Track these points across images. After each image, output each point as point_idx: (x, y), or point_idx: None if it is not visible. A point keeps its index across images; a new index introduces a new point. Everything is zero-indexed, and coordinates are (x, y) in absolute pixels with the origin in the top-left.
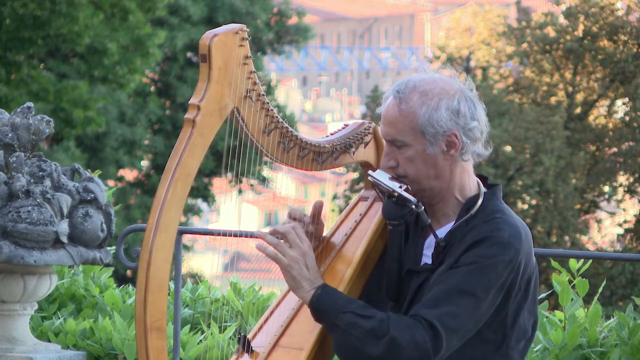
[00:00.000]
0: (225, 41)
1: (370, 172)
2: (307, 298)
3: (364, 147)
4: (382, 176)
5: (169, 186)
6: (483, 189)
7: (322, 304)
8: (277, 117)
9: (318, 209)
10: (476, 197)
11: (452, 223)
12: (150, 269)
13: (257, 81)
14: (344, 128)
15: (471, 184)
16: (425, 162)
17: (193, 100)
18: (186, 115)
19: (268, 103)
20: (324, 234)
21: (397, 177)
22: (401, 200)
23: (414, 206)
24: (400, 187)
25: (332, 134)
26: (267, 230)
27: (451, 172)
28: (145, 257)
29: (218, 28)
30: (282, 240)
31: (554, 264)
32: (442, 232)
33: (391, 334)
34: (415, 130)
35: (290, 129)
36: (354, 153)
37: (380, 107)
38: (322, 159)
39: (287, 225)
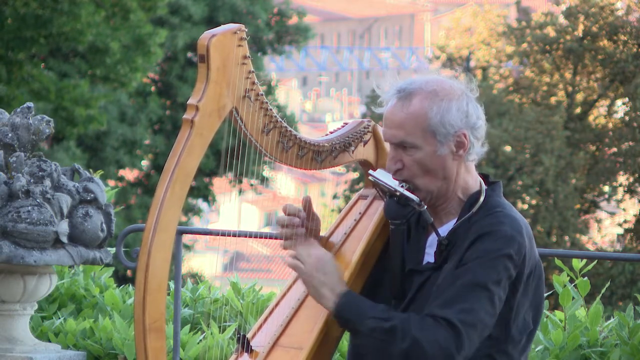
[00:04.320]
0: (223, 41)
1: (370, 171)
2: (330, 306)
3: (363, 146)
4: (383, 175)
5: (168, 186)
6: (484, 187)
7: (345, 312)
8: (275, 116)
9: (308, 204)
10: (478, 193)
11: (454, 221)
12: (149, 270)
13: (256, 81)
14: (343, 127)
15: (473, 183)
16: (434, 163)
17: (191, 101)
18: (184, 116)
19: (267, 103)
20: (324, 233)
21: (402, 180)
22: (403, 200)
23: (416, 205)
24: (402, 186)
25: (331, 133)
26: (266, 229)
27: (457, 172)
28: (144, 257)
29: (216, 28)
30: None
31: (558, 262)
32: (444, 230)
33: (413, 336)
34: (426, 132)
35: (289, 128)
36: (353, 152)
37: (380, 108)
38: (321, 158)
39: (290, 228)
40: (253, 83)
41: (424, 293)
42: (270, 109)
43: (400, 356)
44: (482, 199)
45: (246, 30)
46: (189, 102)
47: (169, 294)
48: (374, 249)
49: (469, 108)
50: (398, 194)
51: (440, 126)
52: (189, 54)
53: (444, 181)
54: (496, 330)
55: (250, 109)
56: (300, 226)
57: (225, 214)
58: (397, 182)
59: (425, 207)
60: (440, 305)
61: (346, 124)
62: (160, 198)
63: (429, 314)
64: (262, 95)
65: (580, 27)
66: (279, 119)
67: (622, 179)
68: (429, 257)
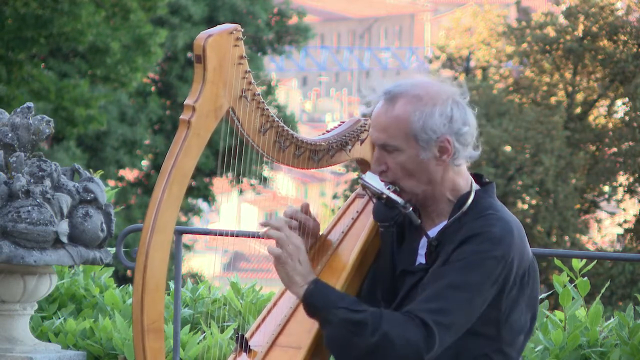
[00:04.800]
0: (219, 41)
1: (360, 175)
2: (300, 293)
3: (360, 145)
4: (371, 178)
5: (165, 187)
6: (475, 187)
7: (315, 299)
8: (272, 116)
9: (305, 209)
10: (467, 194)
11: (446, 222)
12: (147, 270)
13: (252, 81)
14: (340, 125)
15: (463, 184)
16: (417, 167)
17: (188, 101)
18: (181, 116)
19: (263, 102)
20: (321, 232)
21: (389, 182)
22: (390, 202)
23: (402, 208)
24: (389, 188)
25: (328, 132)
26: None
27: (442, 176)
28: (141, 258)
29: (212, 28)
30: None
31: (558, 262)
32: (435, 231)
33: (384, 330)
34: (408, 136)
35: (286, 127)
36: (350, 151)
37: (368, 107)
38: (319, 157)
39: (280, 220)
40: (249, 83)
41: (415, 294)
42: (267, 109)
43: (367, 349)
44: (471, 199)
45: (242, 30)
46: (185, 102)
47: (168, 294)
48: (372, 246)
49: (453, 113)
50: (384, 196)
51: (421, 131)
52: (189, 54)
53: (429, 184)
54: (490, 330)
55: (246, 109)
56: (298, 229)
57: (225, 214)
58: (383, 185)
59: (411, 209)
60: (419, 303)
61: (343, 122)
62: (158, 199)
63: (405, 310)
64: (258, 95)
65: (580, 27)
66: (276, 119)
67: (622, 179)
68: (422, 258)
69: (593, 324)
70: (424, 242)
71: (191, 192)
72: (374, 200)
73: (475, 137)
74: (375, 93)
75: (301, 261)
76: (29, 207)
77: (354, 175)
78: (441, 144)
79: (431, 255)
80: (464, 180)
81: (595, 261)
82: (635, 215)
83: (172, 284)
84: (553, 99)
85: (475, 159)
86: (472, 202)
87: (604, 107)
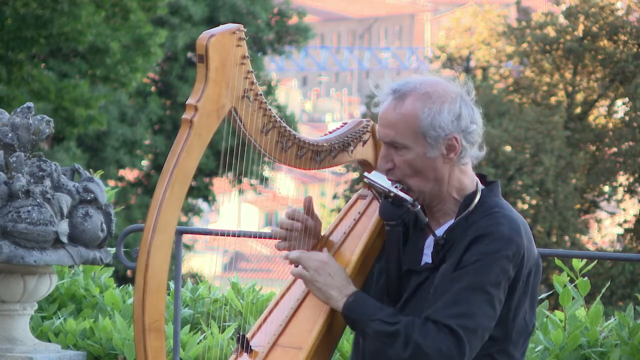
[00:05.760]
0: (222, 41)
1: (365, 173)
2: (339, 307)
3: (362, 146)
4: (377, 177)
5: (167, 187)
6: (480, 186)
7: (353, 312)
8: (274, 116)
9: (308, 203)
10: (474, 193)
11: (452, 221)
12: (149, 270)
13: (255, 81)
14: (342, 127)
15: (469, 183)
16: (424, 165)
17: (190, 101)
18: (183, 116)
19: (266, 102)
20: (324, 232)
21: (395, 180)
22: (397, 200)
23: (410, 205)
24: (396, 187)
25: (330, 133)
26: (266, 229)
27: (449, 174)
28: (143, 258)
29: (215, 28)
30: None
31: (558, 262)
32: (441, 230)
33: (415, 341)
34: (417, 133)
35: (289, 128)
36: (352, 152)
37: (376, 107)
38: (321, 158)
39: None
40: (252, 83)
41: (422, 294)
42: (269, 109)
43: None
44: (477, 198)
45: (245, 30)
46: (187, 102)
47: (169, 294)
48: (374, 247)
49: (462, 111)
50: (392, 194)
51: (430, 129)
52: (189, 54)
53: (436, 183)
54: (497, 330)
55: (249, 108)
56: (300, 230)
57: (225, 214)
58: (390, 183)
59: (419, 207)
60: (441, 309)
61: (345, 123)
62: (159, 199)
63: (430, 318)
64: (261, 95)
65: (580, 27)
66: (278, 119)
67: (622, 179)
68: (427, 257)
69: (593, 324)
70: (429, 241)
71: (191, 192)
72: (381, 198)
73: (481, 137)
74: (382, 91)
75: (332, 274)
76: (29, 207)
77: (354, 175)
78: (449, 142)
79: (438, 255)
80: (470, 180)
81: (596, 261)
82: (635, 215)
83: (172, 284)
84: (553, 99)
85: (480, 159)
86: (479, 201)
87: (604, 107)
